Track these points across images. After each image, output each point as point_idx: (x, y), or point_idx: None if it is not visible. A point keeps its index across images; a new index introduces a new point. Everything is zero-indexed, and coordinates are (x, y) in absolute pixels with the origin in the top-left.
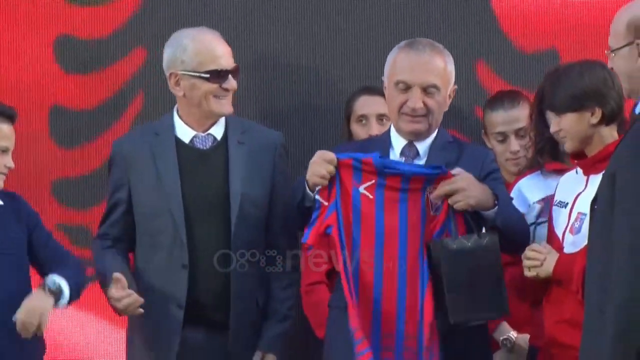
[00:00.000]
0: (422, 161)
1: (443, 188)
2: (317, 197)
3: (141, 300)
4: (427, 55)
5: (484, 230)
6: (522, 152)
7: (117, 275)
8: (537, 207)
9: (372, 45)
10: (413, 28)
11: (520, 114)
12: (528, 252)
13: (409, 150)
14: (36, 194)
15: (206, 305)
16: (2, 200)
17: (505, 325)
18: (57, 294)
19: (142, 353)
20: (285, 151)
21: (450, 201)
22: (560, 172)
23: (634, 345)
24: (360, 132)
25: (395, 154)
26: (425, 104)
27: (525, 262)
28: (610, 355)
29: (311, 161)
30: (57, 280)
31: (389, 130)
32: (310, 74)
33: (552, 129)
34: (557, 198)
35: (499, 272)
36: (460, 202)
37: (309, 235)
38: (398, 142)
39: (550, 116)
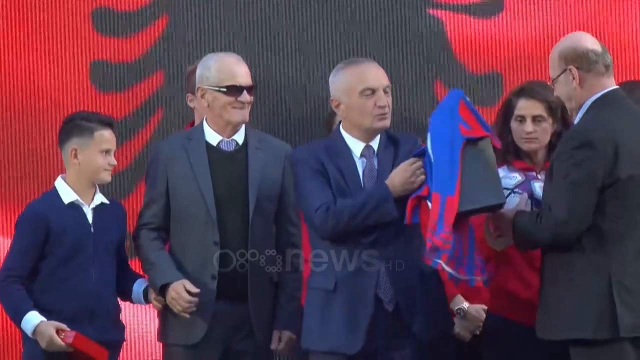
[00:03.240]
0: (376, 159)
1: None
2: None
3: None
4: (375, 65)
5: None
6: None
7: (194, 291)
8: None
9: None
10: (381, 54)
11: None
12: None
13: (368, 151)
14: None
15: (232, 278)
16: (111, 203)
17: (459, 297)
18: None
19: (178, 319)
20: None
21: None
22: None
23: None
24: None
25: (356, 155)
26: (387, 103)
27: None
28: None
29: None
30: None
31: (339, 136)
32: (296, 91)
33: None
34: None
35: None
36: None
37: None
38: (357, 146)
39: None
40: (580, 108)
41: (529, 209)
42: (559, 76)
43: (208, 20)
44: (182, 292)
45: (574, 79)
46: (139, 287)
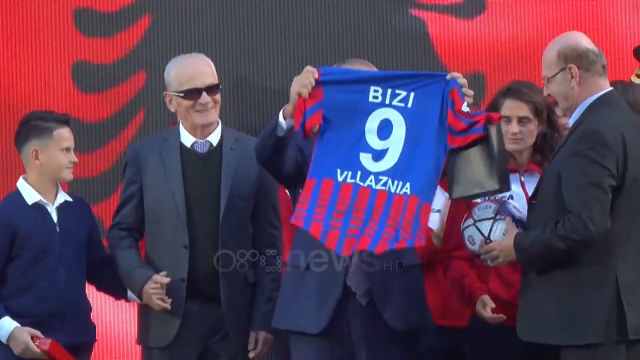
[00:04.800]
0: None
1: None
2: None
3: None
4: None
5: None
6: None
7: (164, 281)
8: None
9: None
10: (364, 53)
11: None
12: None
13: None
14: None
15: (203, 280)
16: (73, 199)
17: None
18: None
19: (150, 321)
20: None
21: None
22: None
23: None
24: None
25: None
26: None
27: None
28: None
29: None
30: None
31: None
32: (280, 92)
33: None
34: None
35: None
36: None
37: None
38: None
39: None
40: (574, 108)
41: (516, 230)
42: (556, 74)
43: (191, 19)
44: (153, 291)
45: (572, 77)
46: None
